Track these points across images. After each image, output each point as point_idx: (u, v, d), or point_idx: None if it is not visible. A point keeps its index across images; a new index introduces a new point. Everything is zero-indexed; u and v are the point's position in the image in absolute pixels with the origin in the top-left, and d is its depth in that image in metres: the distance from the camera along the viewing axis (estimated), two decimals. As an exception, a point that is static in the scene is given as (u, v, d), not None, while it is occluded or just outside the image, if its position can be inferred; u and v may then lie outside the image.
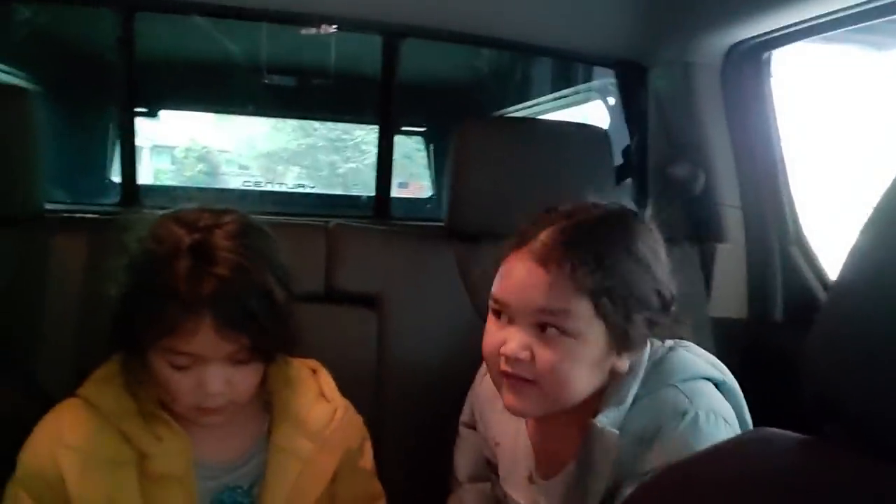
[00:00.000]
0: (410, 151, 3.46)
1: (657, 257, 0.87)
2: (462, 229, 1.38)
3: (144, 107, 2.63)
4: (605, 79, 1.96)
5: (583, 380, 0.85)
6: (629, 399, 0.87)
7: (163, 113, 2.83)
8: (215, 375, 0.84)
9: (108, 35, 1.54)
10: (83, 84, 2.21)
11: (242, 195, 3.06)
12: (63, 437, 0.87)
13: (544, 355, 0.84)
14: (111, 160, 2.79)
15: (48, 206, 1.31)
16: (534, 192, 1.36)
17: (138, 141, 1.72)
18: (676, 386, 0.87)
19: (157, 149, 6.91)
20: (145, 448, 0.88)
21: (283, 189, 4.37)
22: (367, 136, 4.40)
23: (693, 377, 0.89)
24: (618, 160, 1.69)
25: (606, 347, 0.85)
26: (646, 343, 0.89)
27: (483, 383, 1.09)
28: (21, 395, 0.96)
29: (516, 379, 0.86)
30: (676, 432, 0.83)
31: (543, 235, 0.86)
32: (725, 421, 0.85)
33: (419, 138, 3.25)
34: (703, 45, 1.47)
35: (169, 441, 0.89)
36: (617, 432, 0.85)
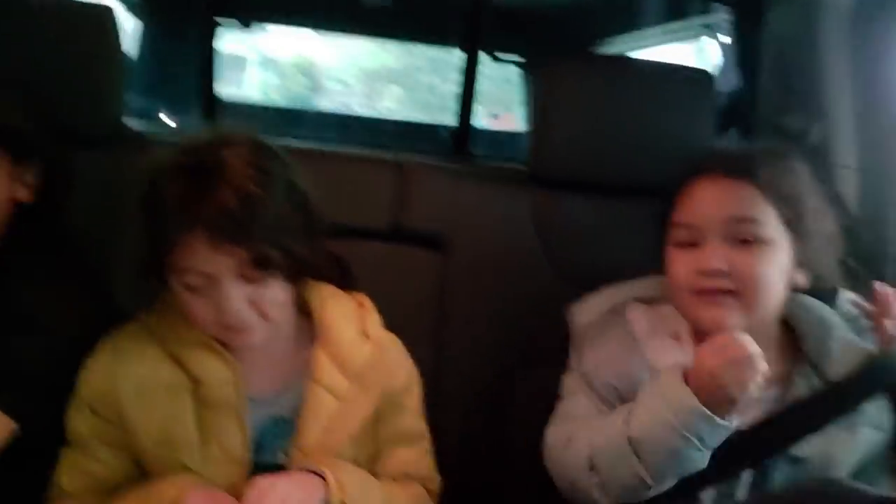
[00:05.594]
0: (511, 76, 3.27)
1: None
2: (544, 175, 1.30)
3: (237, 17, 2.59)
4: (720, 14, 1.78)
5: (777, 286, 0.93)
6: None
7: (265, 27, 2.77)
8: (230, 292, 0.83)
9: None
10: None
11: (320, 120, 3.01)
12: (122, 360, 0.90)
13: (743, 261, 0.91)
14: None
15: (135, 126, 1.34)
16: (626, 138, 1.27)
17: (245, 52, 1.70)
18: None
19: (265, 61, 7.06)
20: (199, 374, 0.90)
21: (364, 114, 4.36)
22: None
23: None
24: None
25: (791, 257, 0.93)
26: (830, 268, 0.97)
27: (633, 322, 1.03)
28: (98, 312, 0.99)
29: (715, 293, 0.91)
30: None
31: (731, 154, 0.99)
32: None
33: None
34: (832, -17, 1.29)
35: (220, 369, 0.90)
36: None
